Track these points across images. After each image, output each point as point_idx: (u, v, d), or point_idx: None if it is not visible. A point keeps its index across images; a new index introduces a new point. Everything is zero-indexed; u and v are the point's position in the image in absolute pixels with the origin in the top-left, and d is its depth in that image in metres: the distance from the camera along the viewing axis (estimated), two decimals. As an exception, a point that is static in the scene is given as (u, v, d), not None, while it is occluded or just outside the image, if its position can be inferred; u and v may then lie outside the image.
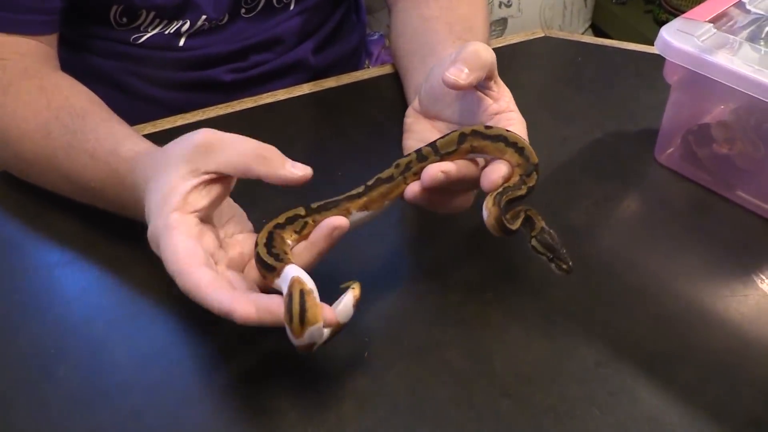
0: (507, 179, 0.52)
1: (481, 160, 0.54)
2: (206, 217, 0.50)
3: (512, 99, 0.57)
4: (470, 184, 0.53)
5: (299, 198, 0.51)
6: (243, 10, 0.81)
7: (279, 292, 0.46)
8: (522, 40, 0.89)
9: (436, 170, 0.51)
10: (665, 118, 0.70)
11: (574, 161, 0.71)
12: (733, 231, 0.65)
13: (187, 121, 0.74)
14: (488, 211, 0.51)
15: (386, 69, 0.83)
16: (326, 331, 0.46)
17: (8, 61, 0.66)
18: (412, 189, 0.52)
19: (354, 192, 0.52)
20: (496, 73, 0.56)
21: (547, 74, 0.87)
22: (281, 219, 0.51)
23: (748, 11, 0.68)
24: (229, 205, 0.54)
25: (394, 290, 0.59)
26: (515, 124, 0.55)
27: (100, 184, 0.57)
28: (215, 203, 0.50)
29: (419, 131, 0.60)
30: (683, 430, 0.49)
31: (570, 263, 0.51)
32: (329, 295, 0.47)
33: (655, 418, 0.50)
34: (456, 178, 0.51)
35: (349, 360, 0.53)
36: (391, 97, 0.78)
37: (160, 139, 0.57)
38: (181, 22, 0.78)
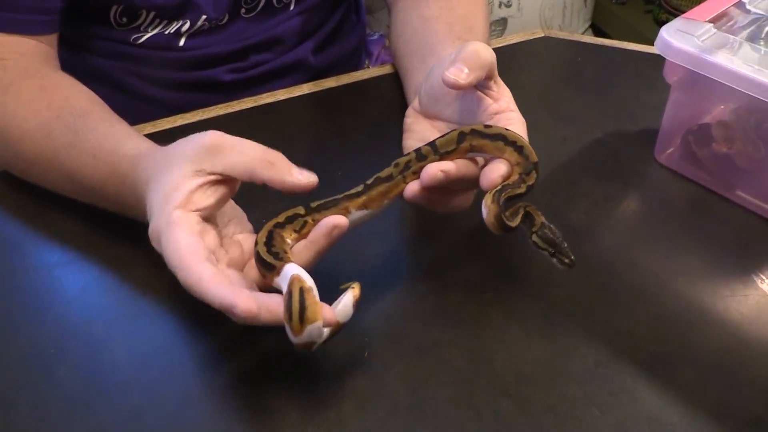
0: (506, 178, 0.52)
1: (480, 160, 0.54)
2: (208, 218, 0.50)
3: (512, 99, 0.57)
4: (470, 184, 0.53)
5: (299, 197, 0.51)
6: (243, 10, 0.81)
7: (278, 292, 0.46)
8: (522, 40, 0.89)
9: (435, 169, 0.51)
10: (665, 118, 0.70)
11: (574, 161, 0.71)
12: (732, 231, 0.65)
13: (187, 121, 0.74)
14: (487, 208, 0.51)
15: (386, 69, 0.83)
16: (326, 331, 0.46)
17: (8, 60, 0.66)
18: (412, 188, 0.52)
19: (353, 191, 0.52)
20: (496, 72, 0.56)
21: (547, 74, 0.87)
22: (281, 218, 0.51)
23: (748, 11, 0.68)
24: (231, 206, 0.54)
25: (393, 290, 0.59)
26: (515, 123, 0.55)
27: (101, 182, 0.57)
28: (218, 204, 0.50)
29: (419, 131, 0.60)
30: (683, 430, 0.49)
31: (572, 257, 0.51)
32: (329, 295, 0.47)
33: (655, 418, 0.50)
34: (455, 178, 0.52)
35: (349, 360, 0.53)
36: (391, 97, 0.78)
37: (160, 139, 0.57)
38: (181, 22, 0.78)
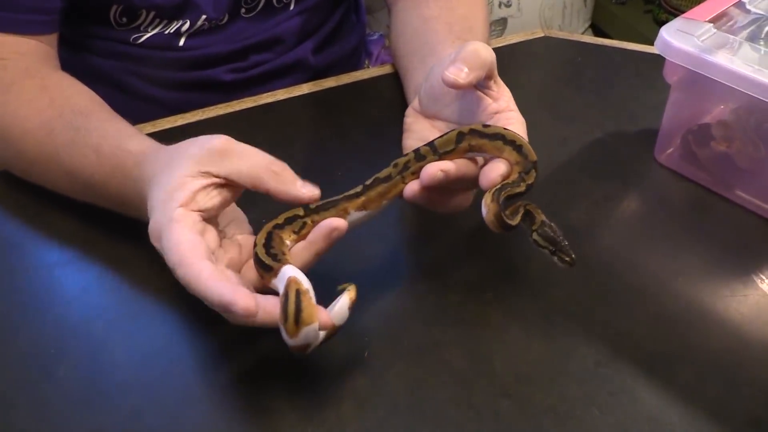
0: (506, 177, 0.52)
1: (480, 159, 0.54)
2: (209, 219, 0.50)
3: (512, 98, 0.57)
4: (469, 183, 0.53)
5: (299, 199, 0.51)
6: (243, 10, 0.81)
7: (275, 294, 0.46)
8: (522, 40, 0.89)
9: (435, 169, 0.51)
10: (665, 118, 0.70)
11: (574, 161, 0.71)
12: (732, 231, 0.65)
13: (186, 121, 0.74)
14: (487, 207, 0.51)
15: (386, 69, 0.83)
16: (321, 334, 0.46)
17: (9, 60, 0.66)
18: (411, 188, 0.52)
19: (352, 192, 0.52)
20: (496, 72, 0.56)
21: (546, 74, 0.87)
22: (280, 219, 0.51)
23: (748, 11, 0.68)
24: (231, 207, 0.54)
25: (393, 290, 0.59)
26: (515, 123, 0.55)
27: (103, 178, 0.57)
28: (220, 207, 0.50)
29: (419, 131, 0.60)
30: (683, 430, 0.49)
31: (573, 255, 0.51)
32: (328, 296, 0.47)
33: (655, 418, 0.50)
34: (455, 177, 0.52)
35: (349, 360, 0.53)
36: (390, 97, 0.78)
37: (160, 139, 0.57)
38: (181, 22, 0.78)
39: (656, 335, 0.55)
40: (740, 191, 0.66)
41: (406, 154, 0.53)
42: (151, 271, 0.57)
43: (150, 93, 0.83)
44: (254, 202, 0.55)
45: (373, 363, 0.53)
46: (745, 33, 0.66)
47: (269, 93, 0.79)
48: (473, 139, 0.53)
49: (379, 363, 0.53)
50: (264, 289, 0.48)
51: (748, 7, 0.68)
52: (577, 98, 0.80)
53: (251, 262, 0.50)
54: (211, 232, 0.50)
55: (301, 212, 0.51)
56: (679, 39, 0.63)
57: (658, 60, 0.65)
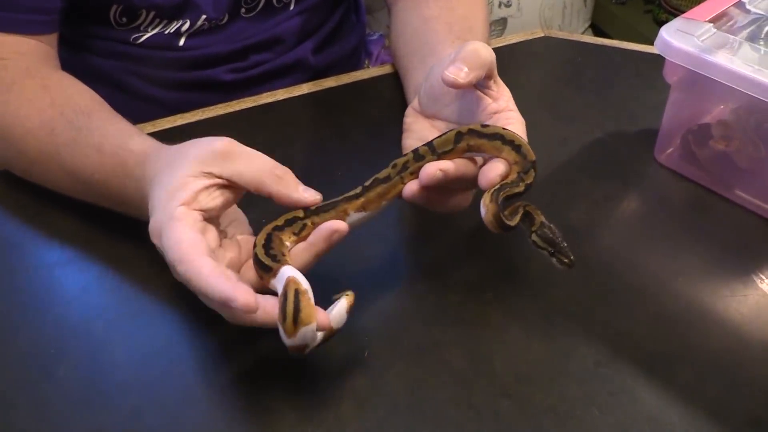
0: (505, 177, 0.52)
1: (479, 159, 0.54)
2: (210, 220, 0.50)
3: (511, 98, 0.57)
4: (468, 183, 0.53)
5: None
6: (243, 10, 0.81)
7: (274, 294, 0.46)
8: (522, 39, 0.89)
9: (434, 169, 0.51)
10: (665, 118, 0.70)
11: (574, 161, 0.71)
12: (732, 231, 0.65)
13: (186, 121, 0.74)
14: (486, 207, 0.51)
15: (386, 69, 0.83)
16: (319, 335, 0.46)
17: (9, 60, 0.66)
18: (411, 188, 0.52)
19: (351, 193, 0.52)
20: (496, 72, 0.56)
21: (546, 74, 0.87)
22: (280, 221, 0.51)
23: (748, 11, 0.68)
24: (232, 209, 0.54)
25: (393, 290, 0.59)
26: (514, 123, 0.55)
27: (104, 176, 0.57)
28: (222, 208, 0.50)
29: (418, 130, 0.60)
30: (683, 430, 0.49)
31: (572, 257, 0.51)
32: (327, 297, 0.47)
33: (655, 418, 0.50)
34: (454, 177, 0.52)
35: (349, 360, 0.53)
36: (390, 97, 0.78)
37: (160, 139, 0.57)
38: (180, 22, 0.78)
39: (656, 335, 0.55)
40: (740, 191, 0.66)
41: (405, 155, 0.53)
42: (151, 271, 0.57)
43: (150, 93, 0.83)
44: (254, 203, 0.55)
45: (373, 363, 0.53)
46: (745, 33, 0.66)
47: (269, 93, 0.79)
48: (472, 138, 0.53)
49: (379, 363, 0.53)
50: (263, 289, 0.48)
51: (748, 7, 0.68)
52: (577, 98, 0.80)
53: (250, 262, 0.50)
54: (212, 232, 0.50)
55: (301, 214, 0.51)
56: (679, 39, 0.63)
57: (658, 60, 0.65)
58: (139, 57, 0.80)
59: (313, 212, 0.51)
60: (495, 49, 0.56)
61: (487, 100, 0.56)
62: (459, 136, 0.53)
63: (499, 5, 1.91)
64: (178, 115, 0.75)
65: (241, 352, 0.53)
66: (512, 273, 0.60)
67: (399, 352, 0.54)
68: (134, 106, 0.81)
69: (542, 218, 0.53)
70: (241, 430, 0.50)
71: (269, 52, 0.85)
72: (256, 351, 0.53)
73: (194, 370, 0.53)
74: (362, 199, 0.52)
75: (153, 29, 0.78)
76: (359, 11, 1.00)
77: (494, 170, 0.52)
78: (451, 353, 0.54)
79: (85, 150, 0.58)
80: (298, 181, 0.51)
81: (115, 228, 0.60)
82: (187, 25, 0.78)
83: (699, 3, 0.68)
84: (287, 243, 0.50)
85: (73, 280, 0.59)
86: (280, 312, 0.44)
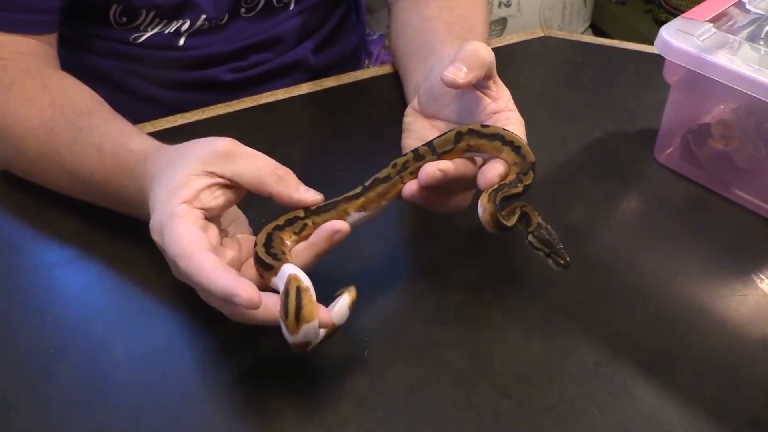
0: (504, 178, 0.52)
1: (478, 159, 0.54)
2: (211, 219, 0.50)
3: (511, 98, 0.57)
4: (468, 183, 0.54)
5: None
6: (243, 10, 0.81)
7: (276, 293, 0.46)
8: (521, 39, 0.89)
9: (433, 168, 0.51)
10: (665, 118, 0.70)
11: (574, 161, 0.71)
12: (732, 231, 0.65)
13: (186, 121, 0.75)
14: (483, 207, 0.51)
15: (386, 69, 0.83)
16: (321, 332, 0.46)
17: (9, 60, 0.66)
18: (410, 187, 0.52)
19: (351, 193, 0.52)
20: (495, 72, 0.56)
21: (546, 74, 0.87)
22: (281, 221, 0.51)
23: (748, 11, 0.68)
24: (233, 209, 0.54)
25: (393, 290, 0.59)
26: (514, 123, 0.55)
27: (105, 177, 0.57)
28: (223, 207, 0.50)
29: (418, 130, 0.60)
30: (683, 430, 0.49)
31: (567, 258, 0.51)
32: (327, 296, 0.47)
33: (655, 418, 0.50)
34: (453, 177, 0.52)
35: (349, 360, 0.53)
36: (390, 96, 0.78)
37: (160, 139, 0.57)
38: (180, 22, 0.78)
39: (656, 335, 0.55)
40: (740, 191, 0.66)
41: (405, 154, 0.53)
42: (151, 271, 0.57)
43: (150, 93, 0.83)
44: (254, 203, 0.55)
45: (373, 363, 0.53)
46: (745, 33, 0.66)
47: (269, 93, 0.79)
48: (472, 139, 0.53)
49: (379, 363, 0.53)
50: (263, 288, 0.48)
51: (748, 7, 0.68)
52: (577, 98, 0.80)
53: (250, 261, 0.50)
54: (213, 230, 0.50)
55: (301, 214, 0.51)
56: (678, 39, 0.63)
57: (658, 60, 0.65)
58: (139, 57, 0.80)
59: (313, 212, 0.51)
60: (495, 49, 0.56)
61: (487, 100, 0.56)
62: (459, 136, 0.53)
63: (499, 5, 1.91)
64: (178, 115, 0.75)
65: (241, 352, 0.53)
66: (512, 273, 0.60)
67: (399, 352, 0.54)
68: (134, 106, 0.81)
69: (539, 219, 0.53)
70: (241, 430, 0.50)
71: (269, 52, 0.85)
72: (256, 351, 0.53)
73: (194, 370, 0.53)
74: (362, 199, 0.52)
75: (153, 29, 0.78)
76: (359, 11, 1.00)
77: (493, 170, 0.52)
78: (451, 353, 0.54)
79: (85, 150, 0.58)
80: (299, 181, 0.51)
81: (115, 228, 0.60)
82: (187, 24, 0.78)
83: (699, 3, 0.68)
84: (288, 242, 0.50)
85: (73, 280, 0.59)
86: (282, 309, 0.44)
